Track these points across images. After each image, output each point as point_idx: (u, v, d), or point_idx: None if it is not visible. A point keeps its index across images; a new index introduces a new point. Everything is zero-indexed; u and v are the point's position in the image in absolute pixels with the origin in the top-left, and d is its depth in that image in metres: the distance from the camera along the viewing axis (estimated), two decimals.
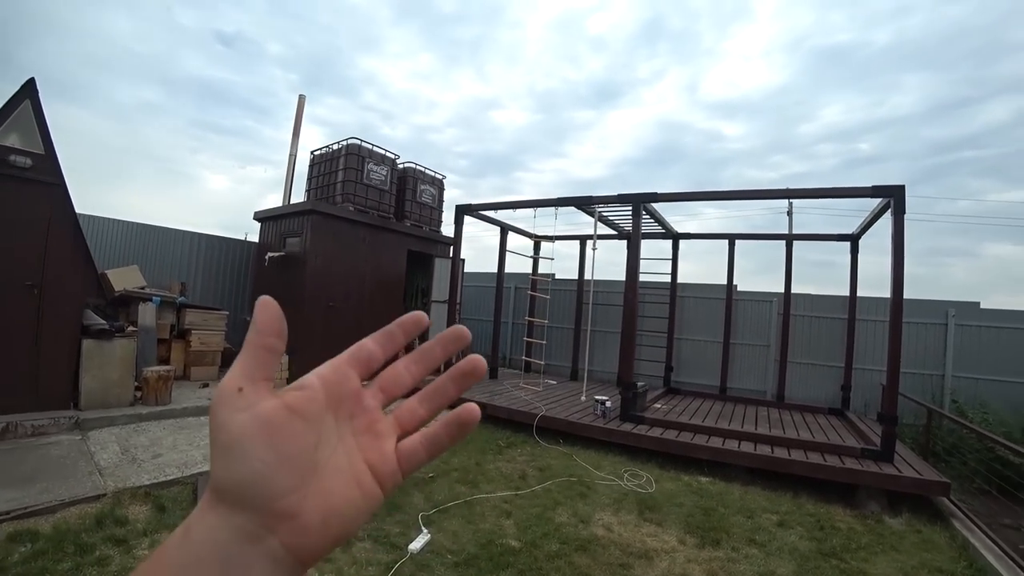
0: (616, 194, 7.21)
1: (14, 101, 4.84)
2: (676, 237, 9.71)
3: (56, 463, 4.10)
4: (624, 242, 9.89)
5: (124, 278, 6.94)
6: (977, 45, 30.19)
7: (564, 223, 12.68)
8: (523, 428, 6.54)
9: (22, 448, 4.33)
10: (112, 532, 3.22)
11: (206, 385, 6.90)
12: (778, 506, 4.71)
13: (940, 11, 29.10)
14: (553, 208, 7.98)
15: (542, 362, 9.30)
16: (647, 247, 7.87)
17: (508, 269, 10.28)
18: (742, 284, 9.53)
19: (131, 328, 5.93)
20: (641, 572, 3.42)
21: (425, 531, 3.62)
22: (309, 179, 8.90)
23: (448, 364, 0.40)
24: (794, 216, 13.11)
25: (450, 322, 8.81)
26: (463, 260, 9.25)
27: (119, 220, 8.79)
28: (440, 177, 9.92)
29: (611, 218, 8.90)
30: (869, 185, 5.62)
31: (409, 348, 0.37)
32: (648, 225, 8.49)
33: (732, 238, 9.48)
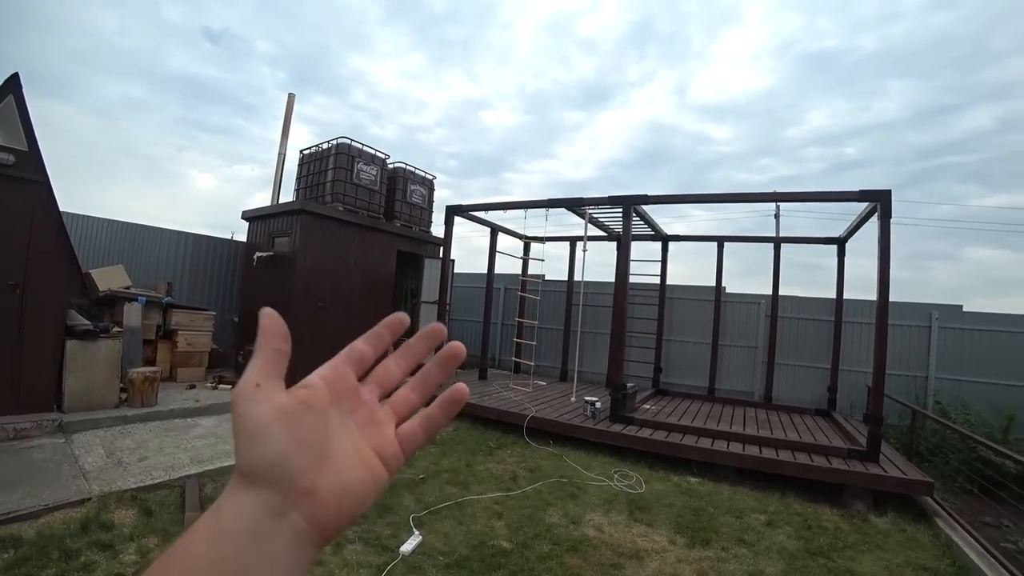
0: (607, 196, 7.24)
1: None
2: (665, 239, 9.77)
3: (39, 467, 4.03)
4: (614, 244, 9.94)
5: (109, 278, 6.84)
6: (960, 53, 30.79)
7: (554, 224, 12.73)
8: (513, 429, 6.54)
9: (3, 452, 4.25)
10: (98, 537, 3.16)
11: (193, 386, 6.82)
12: (766, 506, 4.76)
13: (925, 19, 29.62)
14: (543, 209, 8.00)
15: (532, 363, 9.31)
16: (636, 249, 7.90)
17: (498, 270, 10.27)
18: (730, 286, 9.62)
19: (116, 328, 5.83)
20: (632, 572, 3.44)
21: (416, 533, 3.60)
22: (298, 178, 8.83)
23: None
24: (781, 219, 13.27)
25: (440, 321, 8.76)
26: (453, 261, 9.24)
27: (104, 219, 8.65)
28: (430, 177, 9.90)
29: (601, 220, 8.93)
30: (856, 189, 5.70)
31: (396, 345, 0.42)
32: (637, 227, 8.53)
33: (721, 240, 9.56)
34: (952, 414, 6.86)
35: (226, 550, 0.30)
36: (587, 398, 6.99)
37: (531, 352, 9.65)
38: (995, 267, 29.76)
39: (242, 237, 9.16)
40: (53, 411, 5.06)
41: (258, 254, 7.80)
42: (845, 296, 8.33)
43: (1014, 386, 7.49)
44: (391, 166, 9.16)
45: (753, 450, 5.51)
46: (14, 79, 4.80)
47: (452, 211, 8.63)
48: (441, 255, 9.07)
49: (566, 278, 10.80)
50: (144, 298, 6.74)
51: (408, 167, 9.43)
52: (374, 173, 8.48)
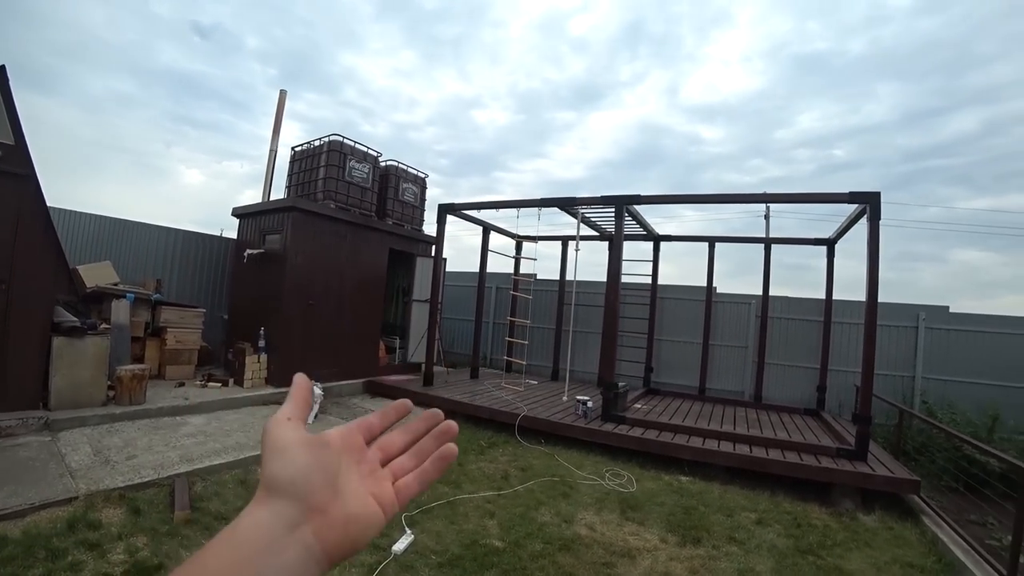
0: (599, 196, 7.25)
1: None
2: (657, 239, 9.81)
3: (25, 465, 3.97)
4: (605, 243, 9.98)
5: (97, 274, 6.75)
6: (947, 57, 31.16)
7: (546, 224, 12.70)
8: (505, 428, 6.54)
9: None
10: (85, 536, 3.12)
11: (182, 384, 6.74)
12: (757, 504, 4.80)
13: (913, 23, 29.91)
14: (536, 208, 8.00)
15: (524, 362, 9.32)
16: (628, 248, 7.93)
17: (490, 269, 10.28)
18: (720, 286, 9.70)
19: (104, 325, 5.76)
20: (624, 571, 3.45)
21: (408, 532, 3.59)
22: (289, 175, 8.75)
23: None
24: (771, 220, 13.38)
25: (432, 321, 8.76)
26: (445, 259, 9.21)
27: (91, 214, 8.53)
28: (422, 176, 9.86)
29: (593, 219, 8.95)
30: (846, 191, 5.75)
31: None
32: (629, 227, 8.56)
33: (712, 241, 9.61)
34: (938, 413, 6.95)
35: (242, 556, 0.34)
36: (579, 397, 7.01)
37: (523, 351, 9.65)
38: (980, 269, 30.21)
39: (232, 234, 9.08)
40: (39, 409, 4.98)
41: (248, 251, 7.73)
42: (834, 297, 8.42)
43: (998, 386, 7.61)
44: (383, 164, 9.11)
45: (743, 449, 5.56)
46: (1, 72, 4.72)
47: (444, 210, 8.61)
48: (433, 254, 9.04)
49: (558, 277, 10.81)
50: (132, 295, 6.66)
51: (400, 165, 9.38)
52: (366, 171, 8.43)
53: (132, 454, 4.43)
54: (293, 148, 8.75)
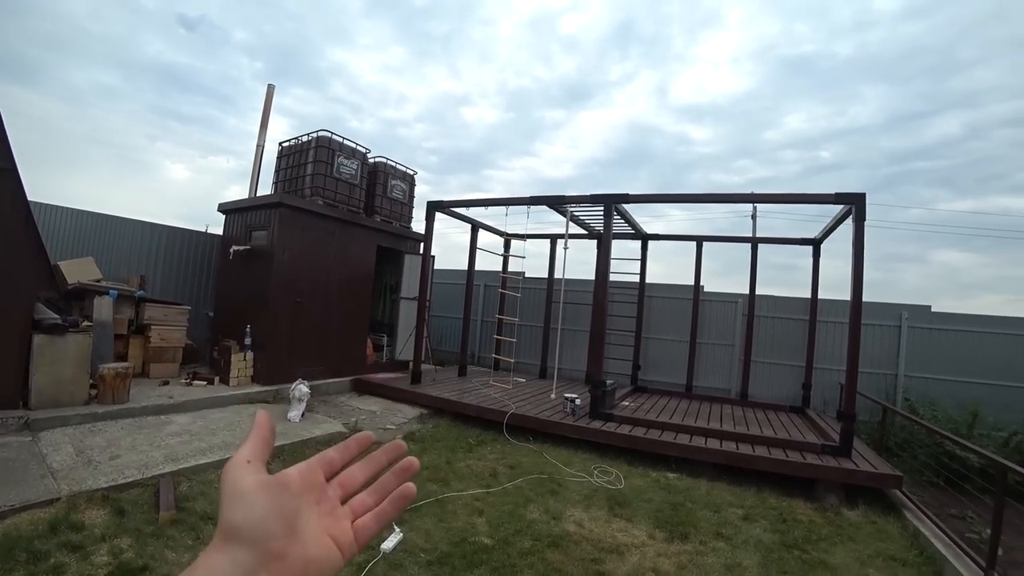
0: (589, 194, 7.26)
1: None
2: (645, 238, 9.87)
3: (4, 466, 3.88)
4: (594, 242, 10.01)
5: (78, 270, 6.63)
6: (932, 62, 31.64)
7: (535, 222, 12.71)
8: (493, 426, 6.54)
9: None
10: (68, 538, 3.07)
11: (167, 382, 6.65)
12: (743, 500, 4.86)
13: (898, 28, 30.29)
14: (524, 206, 8.00)
15: (512, 360, 9.33)
16: (616, 247, 7.97)
17: (478, 267, 10.26)
18: (708, 285, 9.77)
19: (86, 323, 5.65)
20: (612, 567, 3.47)
21: (397, 530, 3.58)
22: (277, 171, 8.65)
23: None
24: (758, 220, 13.50)
25: (420, 319, 8.72)
26: (433, 257, 9.18)
27: (72, 208, 8.37)
28: (411, 173, 9.81)
29: (582, 218, 8.98)
30: (832, 192, 5.82)
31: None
32: (618, 225, 8.59)
33: (700, 240, 9.68)
34: (920, 410, 7.07)
35: None
36: (567, 395, 7.03)
37: (511, 349, 9.65)
38: (961, 269, 30.79)
39: (217, 230, 8.96)
40: (19, 408, 4.88)
41: (235, 248, 7.63)
42: (820, 296, 8.53)
43: (978, 383, 7.77)
44: (372, 161, 9.04)
45: (730, 446, 5.61)
46: None
47: (433, 207, 8.58)
48: (421, 251, 9.01)
49: (546, 275, 10.83)
50: (115, 291, 6.55)
51: (389, 162, 9.32)
52: (354, 167, 8.37)
53: (115, 454, 4.36)
54: (281, 144, 8.65)
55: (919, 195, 39.93)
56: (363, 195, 8.65)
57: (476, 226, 9.84)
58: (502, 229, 10.43)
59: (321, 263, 7.95)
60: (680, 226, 20.80)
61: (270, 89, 10.20)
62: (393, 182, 9.34)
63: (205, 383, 6.81)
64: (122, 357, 6.49)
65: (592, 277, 9.21)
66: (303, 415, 6.13)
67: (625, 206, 7.60)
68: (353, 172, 8.34)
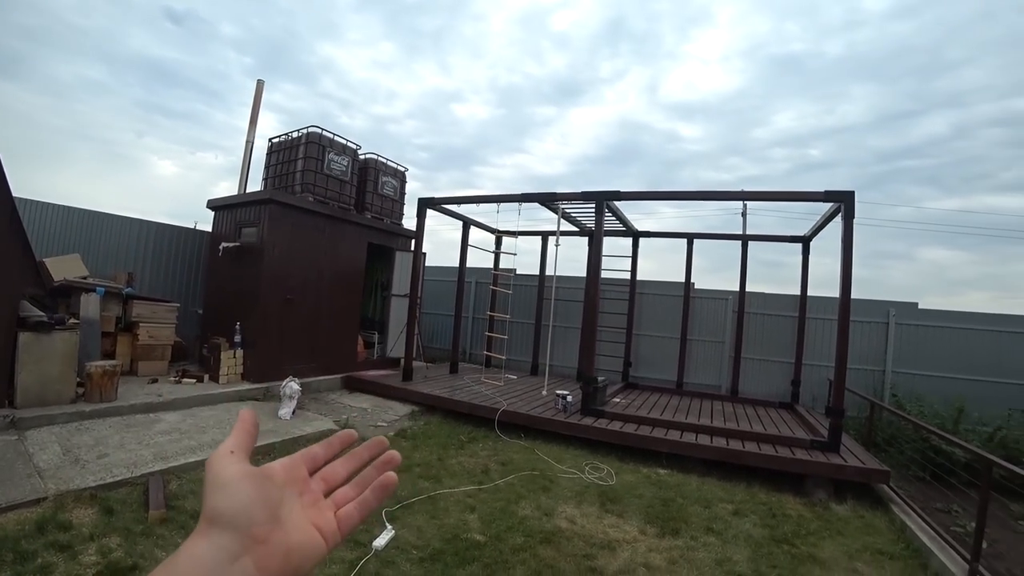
0: (580, 191, 7.27)
1: None
2: (636, 235, 9.90)
3: None
4: (585, 239, 10.02)
5: (65, 267, 6.54)
6: (920, 62, 31.99)
7: (526, 219, 12.73)
8: (484, 423, 6.54)
9: None
10: (55, 538, 3.03)
11: (155, 380, 6.59)
12: (733, 496, 4.90)
13: (887, 28, 30.61)
14: (516, 203, 7.99)
15: (503, 357, 9.33)
16: (607, 244, 7.98)
17: (470, 264, 10.25)
18: (698, 282, 9.83)
19: (72, 320, 5.58)
20: (604, 562, 3.49)
21: (389, 527, 3.58)
22: (267, 167, 8.58)
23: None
24: (748, 217, 13.59)
25: (411, 316, 8.70)
26: (424, 254, 9.16)
27: (58, 205, 8.23)
28: (402, 169, 9.76)
29: (574, 215, 8.98)
30: (821, 190, 5.87)
31: None
32: (609, 222, 8.61)
33: (691, 237, 9.74)
34: (907, 406, 7.16)
35: None
36: (558, 392, 7.05)
37: (502, 346, 9.65)
38: (948, 267, 31.24)
39: (206, 227, 8.88)
40: (4, 407, 4.81)
41: (224, 245, 7.56)
42: (809, 293, 8.61)
43: (964, 379, 7.88)
44: (362, 157, 8.99)
45: (720, 442, 5.65)
46: None
47: (424, 204, 8.55)
48: (412, 248, 8.97)
49: (538, 272, 10.83)
50: (103, 288, 6.47)
51: (380, 158, 9.27)
52: (345, 164, 8.32)
53: (103, 453, 4.32)
54: (270, 140, 8.58)
55: (906, 193, 40.47)
56: (354, 192, 8.60)
57: (467, 223, 9.82)
58: (493, 226, 10.42)
59: (312, 260, 7.90)
60: (671, 223, 20.91)
61: (259, 84, 10.10)
62: (384, 179, 9.30)
63: (194, 381, 6.75)
64: (110, 355, 6.42)
65: (583, 274, 9.25)
66: (294, 412, 6.10)
67: (616, 203, 7.61)
68: (344, 168, 8.29)
